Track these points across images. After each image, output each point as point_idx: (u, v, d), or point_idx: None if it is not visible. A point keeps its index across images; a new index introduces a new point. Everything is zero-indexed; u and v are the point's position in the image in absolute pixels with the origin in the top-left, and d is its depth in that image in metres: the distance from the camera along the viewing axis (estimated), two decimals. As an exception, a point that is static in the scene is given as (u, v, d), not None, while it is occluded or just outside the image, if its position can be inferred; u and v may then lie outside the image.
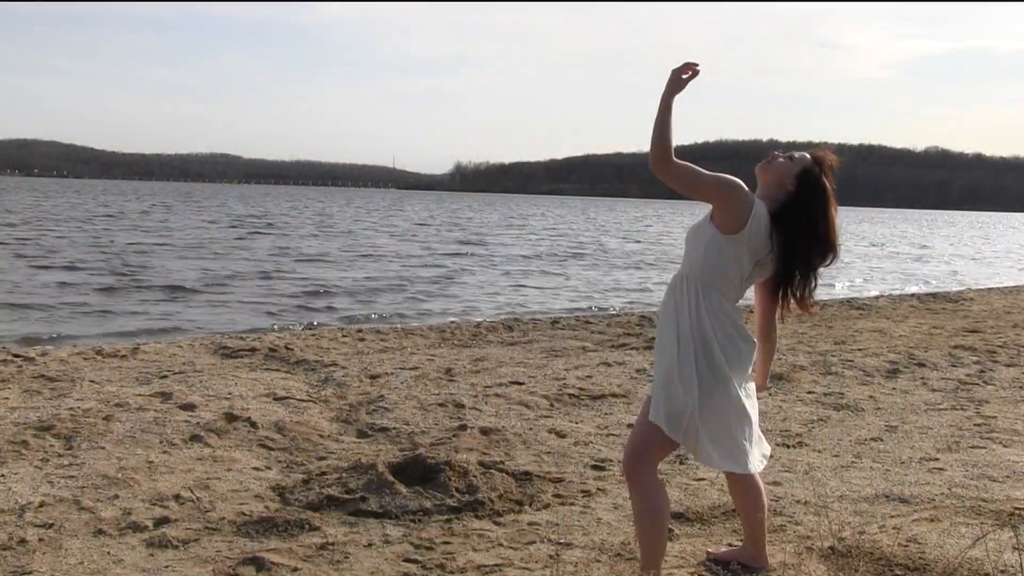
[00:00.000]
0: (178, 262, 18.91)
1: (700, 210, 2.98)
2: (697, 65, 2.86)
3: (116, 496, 3.99)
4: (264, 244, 25.55)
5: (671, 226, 53.22)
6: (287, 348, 7.97)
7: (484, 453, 4.79)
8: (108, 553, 3.39)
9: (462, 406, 5.88)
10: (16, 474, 4.24)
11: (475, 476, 4.21)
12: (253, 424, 5.24)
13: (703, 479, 4.40)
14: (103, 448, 4.70)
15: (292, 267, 18.99)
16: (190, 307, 12.73)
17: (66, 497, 3.94)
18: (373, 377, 6.80)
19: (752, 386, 3.08)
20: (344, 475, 4.26)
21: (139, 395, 5.90)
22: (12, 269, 16.42)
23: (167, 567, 3.28)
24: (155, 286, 14.60)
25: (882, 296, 16.14)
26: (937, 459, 4.89)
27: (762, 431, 5.34)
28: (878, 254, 31.86)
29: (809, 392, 6.61)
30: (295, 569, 3.28)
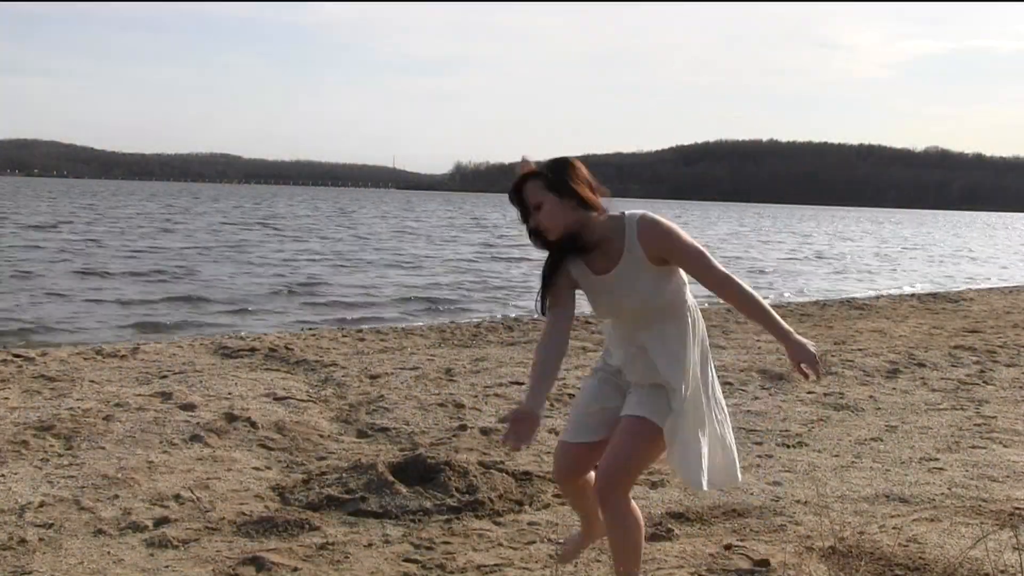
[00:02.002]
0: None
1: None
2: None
3: (116, 496, 3.99)
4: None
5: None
6: (287, 348, 7.97)
7: (484, 453, 4.79)
8: (108, 553, 3.40)
9: (462, 406, 5.89)
10: (16, 474, 4.25)
11: (475, 476, 4.21)
12: (253, 424, 5.24)
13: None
14: (103, 448, 4.70)
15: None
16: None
17: (66, 497, 3.94)
18: (373, 377, 6.80)
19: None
20: (344, 475, 4.26)
21: (139, 395, 5.90)
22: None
23: (167, 567, 3.29)
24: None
25: (882, 296, 16.14)
26: (937, 459, 4.89)
27: (763, 431, 5.38)
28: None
29: (809, 392, 6.61)
30: (295, 569, 3.28)
